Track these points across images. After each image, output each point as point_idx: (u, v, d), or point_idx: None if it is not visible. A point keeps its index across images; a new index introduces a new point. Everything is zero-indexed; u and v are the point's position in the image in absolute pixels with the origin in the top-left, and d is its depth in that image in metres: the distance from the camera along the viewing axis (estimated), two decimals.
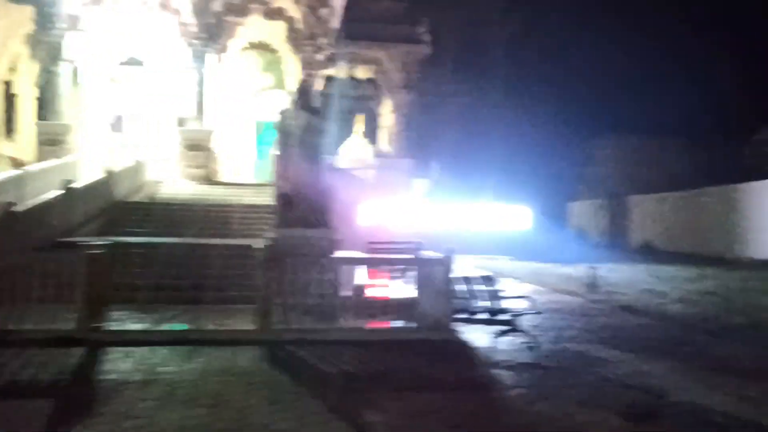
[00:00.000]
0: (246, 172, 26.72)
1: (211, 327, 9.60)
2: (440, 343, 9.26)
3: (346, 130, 29.21)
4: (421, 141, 32.18)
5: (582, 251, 26.62)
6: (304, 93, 14.56)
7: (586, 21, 35.30)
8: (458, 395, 6.91)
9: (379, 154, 27.74)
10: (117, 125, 24.44)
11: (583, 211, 34.86)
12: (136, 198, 18.86)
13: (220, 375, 7.37)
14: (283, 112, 14.01)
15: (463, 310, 10.23)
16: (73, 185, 14.59)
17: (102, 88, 23.38)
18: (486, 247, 26.14)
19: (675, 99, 33.40)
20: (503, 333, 9.30)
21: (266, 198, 16.92)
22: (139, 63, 23.36)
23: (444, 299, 9.53)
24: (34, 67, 22.93)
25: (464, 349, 9.14)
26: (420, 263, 10.04)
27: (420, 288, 9.79)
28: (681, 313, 12.56)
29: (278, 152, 13.76)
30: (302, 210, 11.98)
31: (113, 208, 16.82)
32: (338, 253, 11.64)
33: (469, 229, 27.55)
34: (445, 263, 9.52)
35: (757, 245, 22.40)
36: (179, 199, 19.33)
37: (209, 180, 22.12)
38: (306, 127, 12.93)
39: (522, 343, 9.32)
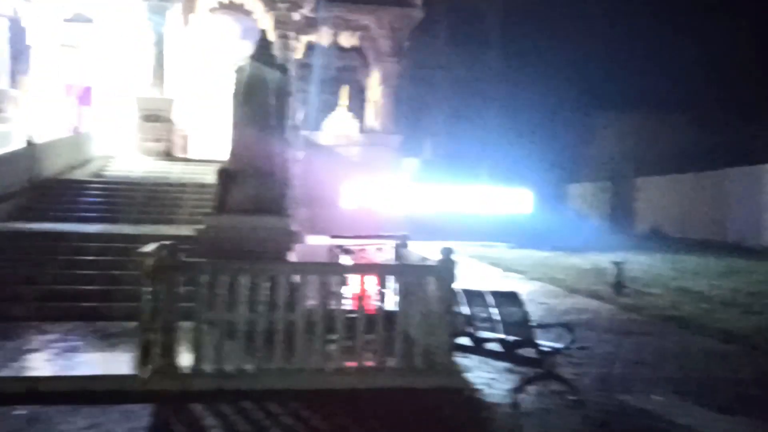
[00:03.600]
0: (217, 149, 23.09)
1: (85, 370, 6.06)
2: (432, 394, 5.81)
3: (330, 104, 25.55)
4: (411, 116, 28.58)
5: (586, 238, 23.20)
6: (262, 45, 10.88)
7: None
8: None
9: (365, 130, 24.12)
10: (69, 92, 20.73)
11: (584, 193, 31.33)
12: (75, 175, 15.22)
13: None
14: (238, 70, 10.48)
15: (464, 334, 6.77)
16: None
17: (48, 48, 19.59)
18: (482, 233, 22.67)
19: (681, 72, 29.75)
20: (531, 380, 5.82)
21: None
22: (88, 20, 19.53)
23: (442, 325, 6.04)
24: None
25: (468, 408, 5.66)
26: (404, 271, 6.49)
27: (404, 306, 6.30)
28: (746, 327, 9.15)
29: (233, 121, 10.25)
30: (248, 190, 8.42)
31: (37, 187, 13.22)
32: (295, 252, 8.14)
33: (463, 212, 24.09)
34: (444, 271, 6.01)
35: None
36: (129, 176, 15.73)
37: (169, 155, 18.47)
38: (260, 84, 9.34)
39: (557, 394, 5.86)
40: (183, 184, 14.76)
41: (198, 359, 5.77)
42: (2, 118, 17.16)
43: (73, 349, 6.57)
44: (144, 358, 5.58)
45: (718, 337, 8.61)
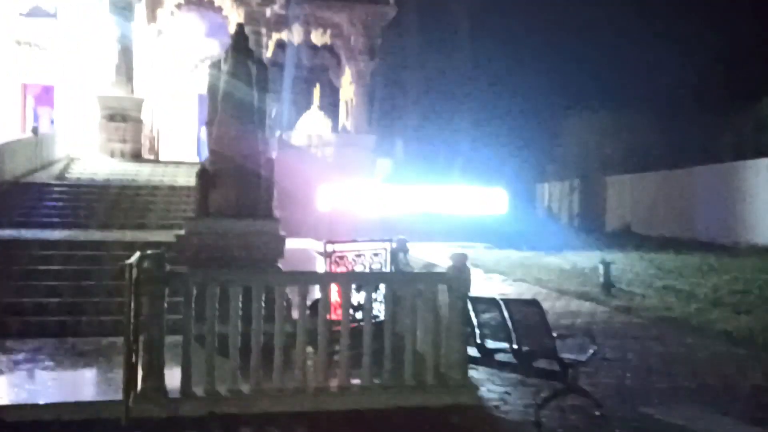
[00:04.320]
0: (186, 150, 22.23)
1: (59, 396, 5.34)
2: (445, 413, 5.27)
3: (302, 104, 24.86)
4: (382, 117, 28.06)
5: (558, 237, 23.01)
6: (241, 38, 10.20)
7: None
8: None
9: (338, 130, 23.52)
10: (27, 92, 19.58)
11: (553, 192, 31.26)
12: (36, 178, 14.23)
13: None
14: (213, 65, 9.83)
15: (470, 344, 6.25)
16: None
17: (4, 45, 18.42)
18: (457, 234, 22.25)
19: (645, 71, 29.99)
20: (555, 395, 5.32)
21: None
22: (49, 15, 18.41)
23: (454, 338, 5.51)
24: None
25: (487, 429, 5.15)
26: (414, 280, 5.92)
27: (412, 317, 5.72)
28: (742, 327, 8.86)
29: (208, 119, 9.58)
30: (231, 192, 7.75)
31: None
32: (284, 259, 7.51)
33: (437, 213, 23.63)
34: (457, 280, 5.48)
35: (762, 229, 19.09)
36: (95, 179, 14.82)
37: (137, 157, 17.53)
38: (242, 78, 8.67)
39: (578, 409, 5.38)
40: (153, 187, 13.94)
41: (187, 381, 5.11)
42: None
43: (43, 371, 5.82)
44: (128, 381, 4.89)
45: (719, 338, 8.30)
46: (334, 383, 5.41)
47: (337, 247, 6.77)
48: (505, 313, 5.67)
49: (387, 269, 7.30)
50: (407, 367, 5.49)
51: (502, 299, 5.61)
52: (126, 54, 17.76)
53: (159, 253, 5.26)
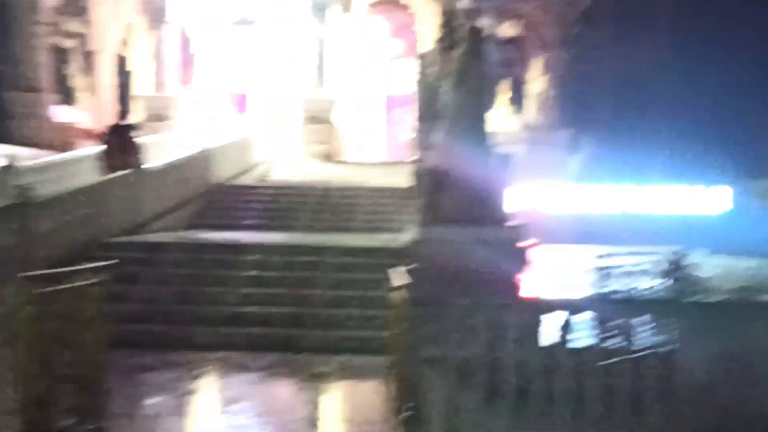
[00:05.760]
0: (374, 151, 21.92)
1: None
2: None
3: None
4: (572, 111, 25.85)
5: None
6: (452, 22, 9.23)
7: None
8: None
9: (527, 127, 21.90)
10: (232, 97, 20.39)
11: None
12: (243, 180, 14.44)
13: None
14: (424, 56, 8.99)
15: None
16: (145, 165, 10.17)
17: (212, 54, 19.28)
18: (664, 237, 19.50)
19: None
20: None
21: (400, 180, 11.73)
22: (249, 22, 18.95)
23: None
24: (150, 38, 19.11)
25: None
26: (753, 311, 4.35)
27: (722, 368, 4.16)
28: None
29: (418, 115, 8.79)
30: (460, 195, 6.70)
31: (208, 194, 12.42)
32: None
33: (637, 213, 21.09)
34: None
35: None
36: (294, 181, 14.77)
37: (331, 158, 17.41)
38: (472, 70, 7.69)
39: None
40: (355, 188, 13.45)
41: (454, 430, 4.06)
42: (170, 125, 16.93)
43: (288, 396, 5.12)
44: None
45: None
46: None
47: (612, 260, 5.40)
48: None
49: (662, 285, 5.79)
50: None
51: None
52: (321, 56, 17.74)
53: (417, 269, 4.28)
